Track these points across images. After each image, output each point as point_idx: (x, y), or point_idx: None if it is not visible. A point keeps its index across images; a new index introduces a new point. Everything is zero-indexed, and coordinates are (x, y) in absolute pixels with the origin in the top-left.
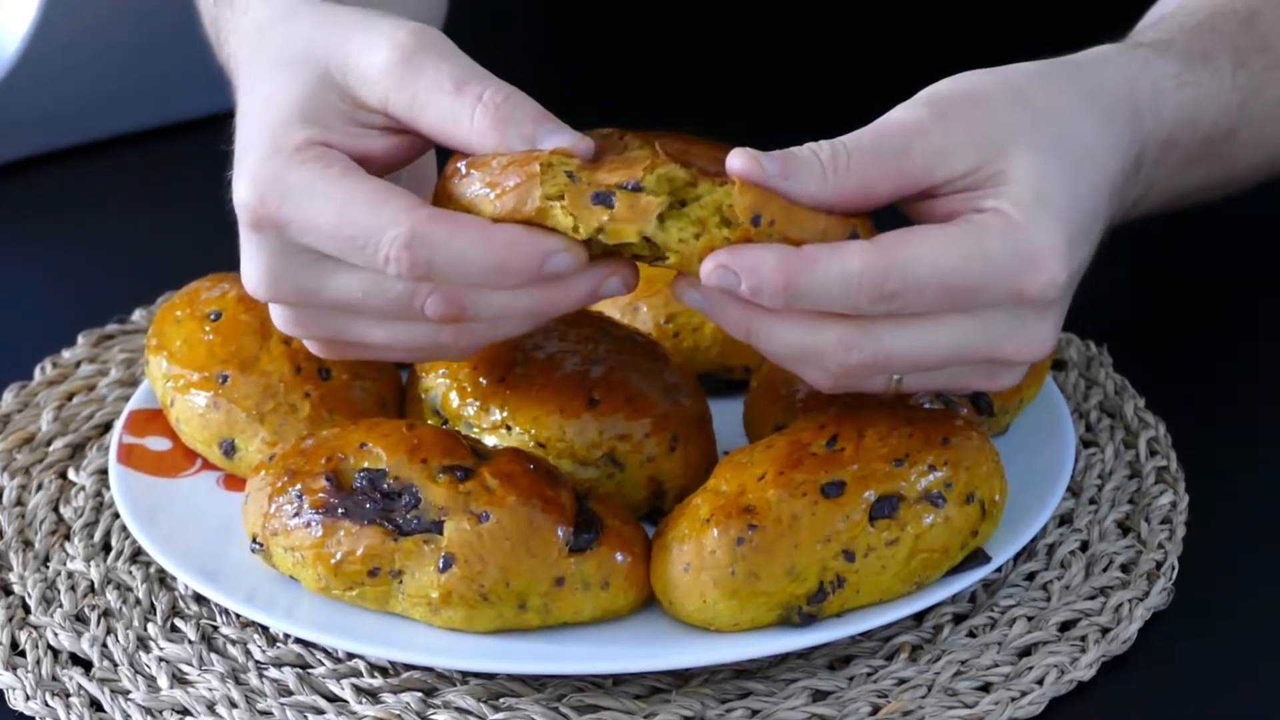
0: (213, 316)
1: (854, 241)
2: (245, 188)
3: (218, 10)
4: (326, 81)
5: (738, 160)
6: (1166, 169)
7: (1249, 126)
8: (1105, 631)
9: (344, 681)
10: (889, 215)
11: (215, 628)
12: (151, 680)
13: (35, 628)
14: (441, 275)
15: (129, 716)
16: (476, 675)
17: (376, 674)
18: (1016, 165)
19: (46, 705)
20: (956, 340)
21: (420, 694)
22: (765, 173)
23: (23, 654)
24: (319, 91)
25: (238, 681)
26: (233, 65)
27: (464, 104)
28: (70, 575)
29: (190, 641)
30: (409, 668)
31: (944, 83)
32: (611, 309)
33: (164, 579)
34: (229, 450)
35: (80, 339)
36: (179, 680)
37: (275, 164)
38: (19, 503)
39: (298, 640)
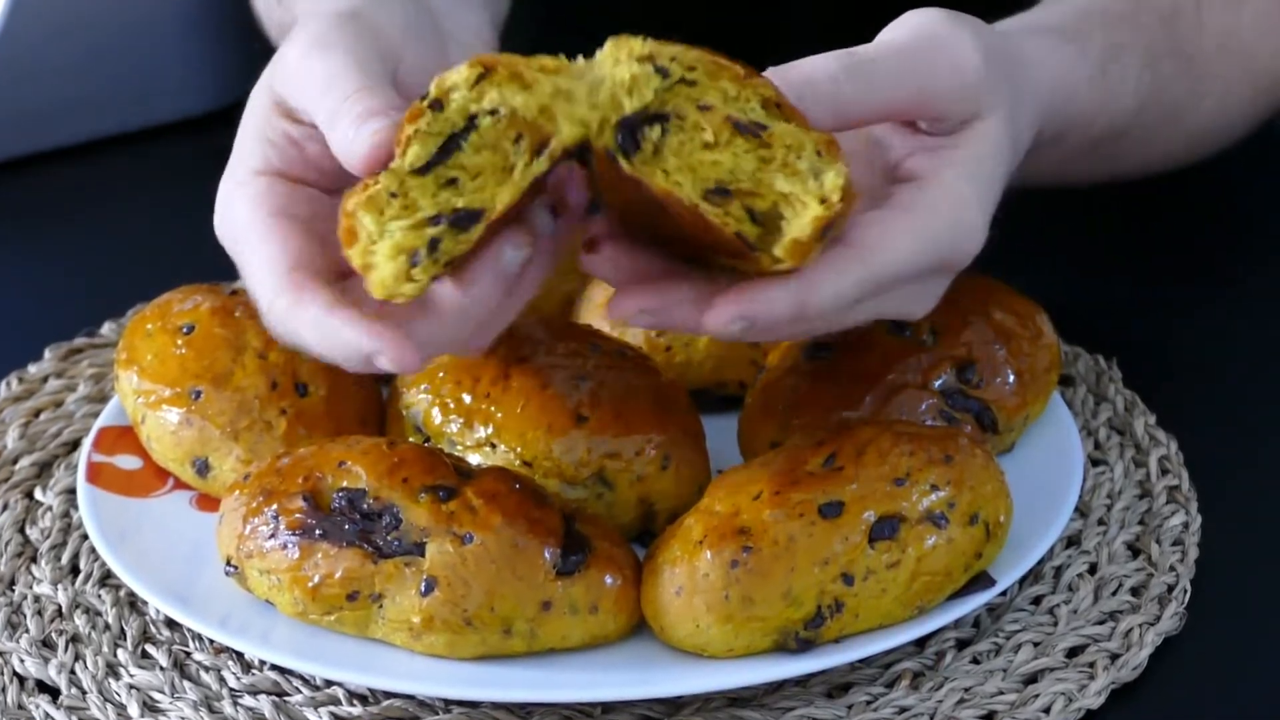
0: (185, 330)
1: (841, 253)
2: (216, 217)
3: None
4: (268, 88)
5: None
6: (1048, 162)
7: (1141, 129)
8: (1115, 658)
9: (322, 710)
10: None
11: (188, 654)
12: (121, 709)
13: (0, 654)
14: (306, 343)
15: None
16: (460, 703)
17: (356, 702)
18: (984, 130)
19: None
20: (880, 309)
21: None
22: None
23: None
24: (265, 101)
25: (211, 710)
26: None
27: (326, 103)
28: (37, 599)
29: (162, 668)
30: (389, 695)
31: (967, 19)
32: (601, 321)
33: (135, 603)
34: (202, 469)
35: (47, 353)
36: (150, 709)
37: (228, 186)
38: None
39: (274, 667)
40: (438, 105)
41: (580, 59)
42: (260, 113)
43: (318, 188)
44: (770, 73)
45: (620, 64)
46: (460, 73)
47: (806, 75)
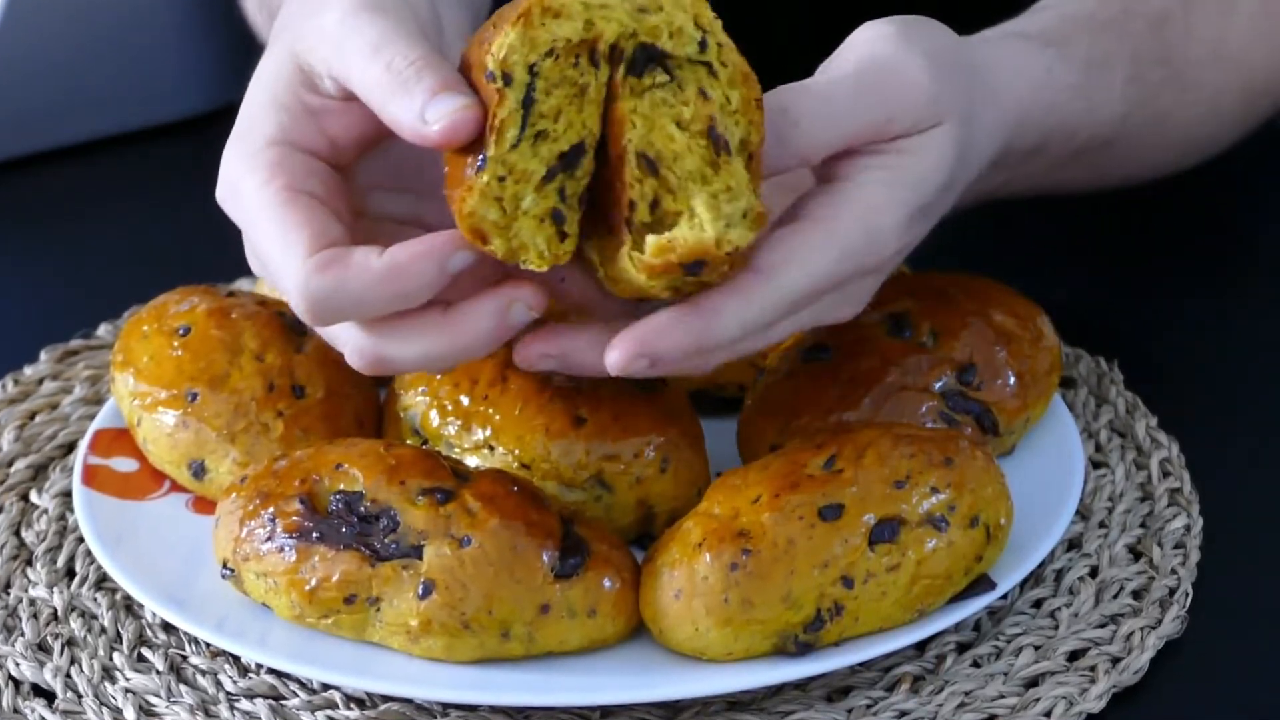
0: (181, 331)
1: (746, 278)
2: (218, 184)
3: None
4: (290, 55)
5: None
6: (1030, 171)
7: (1127, 139)
8: (1116, 661)
9: (319, 714)
10: None
11: (184, 657)
12: (117, 712)
13: None
14: (349, 317)
15: None
16: (457, 707)
17: (353, 705)
18: (925, 141)
19: None
20: (806, 319)
21: None
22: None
23: None
24: (285, 69)
25: (208, 714)
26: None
27: (374, 68)
28: (32, 602)
29: (158, 672)
30: (387, 699)
31: (917, 31)
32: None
33: (130, 606)
34: (198, 471)
35: (43, 355)
36: (146, 713)
37: (238, 154)
38: None
39: (270, 670)
40: (508, 79)
41: None
42: (277, 79)
43: (327, 162)
44: None
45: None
46: (507, 36)
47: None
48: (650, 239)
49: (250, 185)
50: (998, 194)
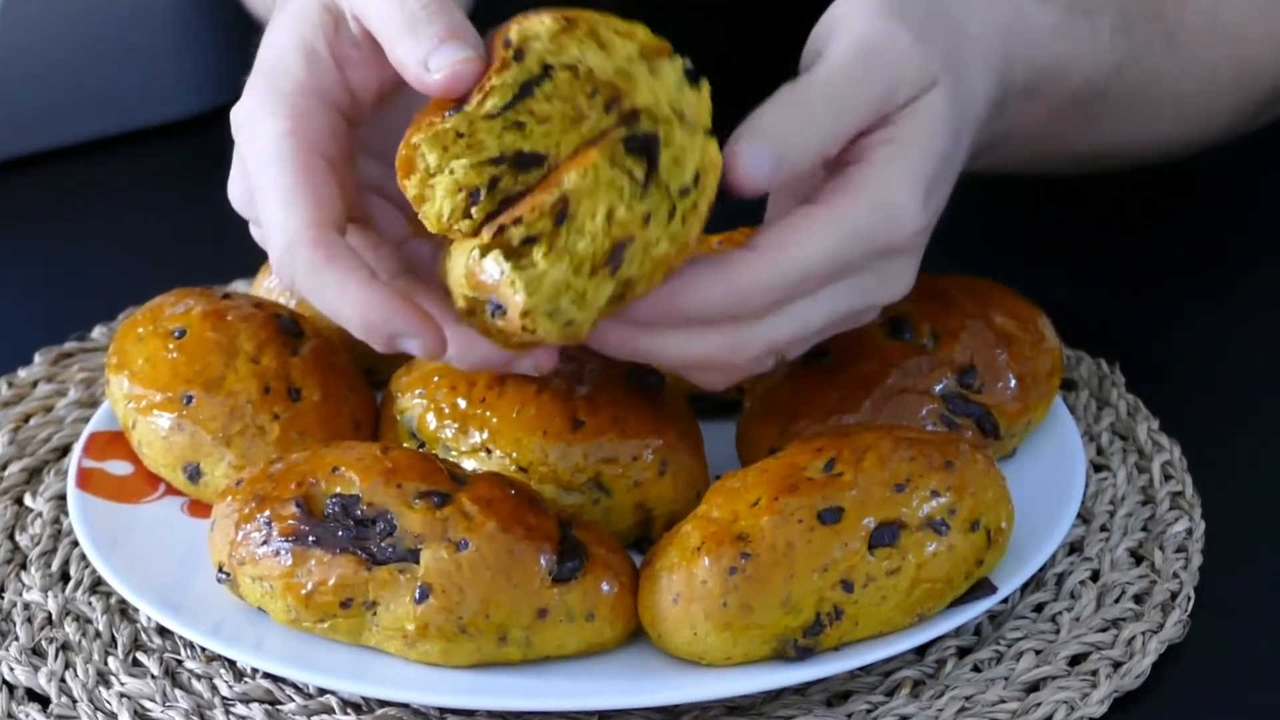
0: (176, 334)
1: (738, 253)
2: (238, 110)
3: None
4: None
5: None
6: (1028, 119)
7: (1122, 93)
8: (1117, 666)
9: (315, 718)
10: None
11: (179, 662)
12: (112, 717)
13: None
14: (307, 297)
15: None
16: (454, 712)
17: (349, 710)
18: (920, 107)
19: None
20: (834, 306)
21: None
22: (768, 180)
23: None
24: (314, 11)
25: (203, 719)
26: None
27: (391, 5)
28: (26, 606)
29: (153, 676)
30: (383, 704)
31: (895, 8)
32: None
33: (125, 610)
34: (194, 475)
35: (37, 357)
36: (141, 718)
37: (260, 90)
38: None
39: (266, 675)
40: (520, 55)
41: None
42: (305, 21)
43: (344, 115)
44: (742, 145)
45: (699, 98)
46: (544, 23)
47: (776, 136)
48: (495, 254)
49: (271, 130)
50: (1007, 155)
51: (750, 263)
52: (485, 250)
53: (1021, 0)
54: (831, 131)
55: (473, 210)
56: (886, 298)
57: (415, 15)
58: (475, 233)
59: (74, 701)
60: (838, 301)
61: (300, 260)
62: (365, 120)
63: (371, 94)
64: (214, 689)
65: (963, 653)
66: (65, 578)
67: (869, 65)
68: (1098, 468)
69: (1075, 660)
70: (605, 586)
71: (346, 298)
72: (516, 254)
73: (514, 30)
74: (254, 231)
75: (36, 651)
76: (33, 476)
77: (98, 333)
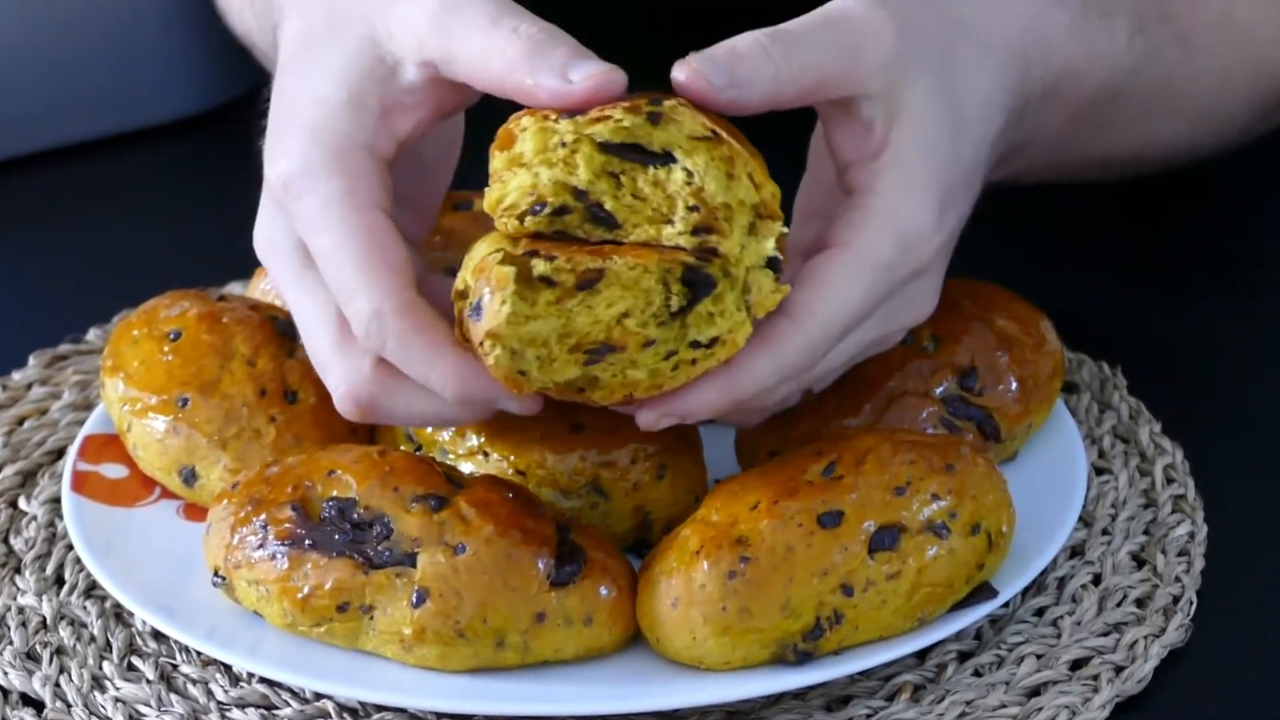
0: (172, 336)
1: (778, 326)
2: (280, 166)
3: None
4: (369, 44)
5: (681, 73)
6: (1049, 123)
7: (1138, 95)
8: (1119, 670)
9: None
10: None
11: (175, 666)
12: None
13: None
14: (390, 358)
15: None
16: (452, 717)
17: (346, 715)
18: (908, 118)
19: None
20: (862, 339)
21: None
22: (713, 88)
23: None
24: (362, 61)
25: None
26: (278, 4)
27: (498, 36)
28: (21, 610)
29: (148, 681)
30: (380, 708)
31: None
32: None
33: (120, 614)
34: (189, 478)
35: (31, 360)
36: None
37: (310, 148)
38: None
39: (262, 680)
40: (654, 118)
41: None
42: (352, 73)
43: (387, 163)
44: (699, 56)
45: (770, 284)
46: (693, 117)
47: (732, 47)
48: (513, 270)
49: (327, 191)
50: (1030, 162)
51: (791, 334)
52: (508, 260)
53: (1038, 3)
54: (785, 67)
55: (528, 219)
56: (910, 321)
57: (536, 39)
58: (514, 238)
59: (69, 706)
60: (865, 333)
61: (390, 330)
62: (400, 162)
63: (410, 139)
64: (209, 694)
65: (963, 657)
66: (60, 582)
67: (831, 20)
68: (1099, 471)
69: (1077, 665)
70: (603, 590)
71: (437, 370)
72: (528, 283)
73: (664, 99)
74: (277, 288)
75: (31, 656)
76: (27, 480)
77: (92, 335)
